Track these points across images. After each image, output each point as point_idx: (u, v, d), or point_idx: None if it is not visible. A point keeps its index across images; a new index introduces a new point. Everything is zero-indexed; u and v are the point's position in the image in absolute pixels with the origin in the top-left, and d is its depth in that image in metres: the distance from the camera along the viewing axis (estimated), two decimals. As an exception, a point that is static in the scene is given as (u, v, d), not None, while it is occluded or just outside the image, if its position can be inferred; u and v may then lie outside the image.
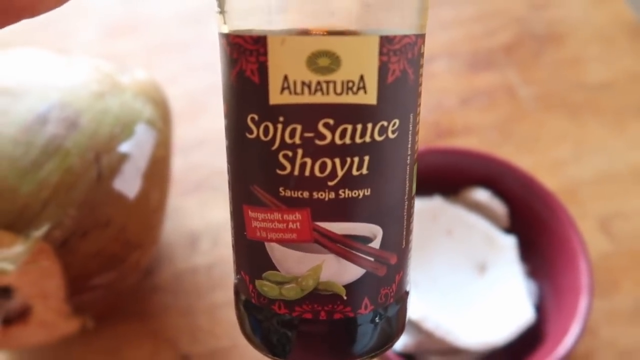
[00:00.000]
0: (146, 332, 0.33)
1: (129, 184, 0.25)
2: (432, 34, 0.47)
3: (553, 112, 0.42)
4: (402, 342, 0.28)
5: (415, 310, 0.28)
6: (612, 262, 0.36)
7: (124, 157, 0.25)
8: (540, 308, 0.31)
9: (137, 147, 0.26)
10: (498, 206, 0.32)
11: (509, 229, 0.33)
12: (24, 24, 0.47)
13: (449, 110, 0.42)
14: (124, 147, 0.25)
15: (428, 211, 0.32)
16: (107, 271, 0.26)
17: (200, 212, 0.37)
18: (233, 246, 0.18)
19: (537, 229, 0.32)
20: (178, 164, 0.39)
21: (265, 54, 0.15)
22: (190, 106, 0.43)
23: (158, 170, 0.28)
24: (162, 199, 0.29)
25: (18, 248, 0.22)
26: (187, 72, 0.44)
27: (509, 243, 0.31)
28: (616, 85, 0.44)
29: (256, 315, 0.18)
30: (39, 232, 0.23)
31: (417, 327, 0.28)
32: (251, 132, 0.16)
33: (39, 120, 0.23)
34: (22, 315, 0.26)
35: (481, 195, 0.32)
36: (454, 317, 0.28)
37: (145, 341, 0.33)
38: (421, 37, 0.16)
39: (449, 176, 0.33)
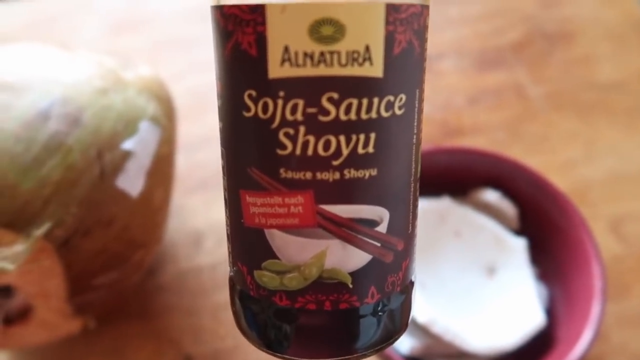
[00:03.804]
0: (149, 332, 0.32)
1: (132, 182, 0.25)
2: (440, 31, 0.46)
3: (563, 111, 0.42)
4: (410, 345, 0.28)
5: (423, 313, 0.27)
6: (623, 265, 0.35)
7: (127, 155, 0.25)
8: (551, 312, 0.30)
9: (140, 144, 0.25)
10: (508, 207, 0.31)
11: (519, 231, 0.32)
12: (28, 20, 0.47)
13: (457, 110, 0.42)
14: (128, 145, 0.25)
15: (436, 212, 0.31)
16: (110, 271, 0.26)
17: (204, 211, 0.37)
18: (228, 236, 0.17)
19: (548, 230, 0.31)
20: (182, 162, 0.39)
21: (263, 23, 0.14)
22: (196, 103, 0.42)
23: (162, 168, 0.27)
24: (166, 198, 0.28)
25: (18, 247, 0.22)
26: (193, 69, 0.44)
27: (519, 245, 0.30)
28: (627, 84, 0.43)
29: (253, 307, 0.17)
30: (40, 231, 0.22)
31: (425, 331, 0.28)
32: (249, 110, 0.15)
33: (40, 116, 0.23)
34: (22, 315, 0.26)
35: (491, 195, 0.31)
36: (462, 320, 0.28)
37: (148, 341, 0.32)
38: (426, 8, 0.15)
39: (458, 176, 0.32)
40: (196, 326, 0.33)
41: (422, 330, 0.28)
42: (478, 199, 0.32)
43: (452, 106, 0.42)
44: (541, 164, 0.39)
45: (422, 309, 0.28)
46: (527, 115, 0.41)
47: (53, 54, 0.26)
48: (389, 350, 0.26)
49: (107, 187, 0.24)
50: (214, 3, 0.15)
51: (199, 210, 0.37)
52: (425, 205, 0.31)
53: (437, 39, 0.46)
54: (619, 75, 0.43)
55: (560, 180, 0.38)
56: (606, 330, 0.32)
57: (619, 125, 0.41)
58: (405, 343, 0.28)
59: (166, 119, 0.28)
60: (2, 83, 0.24)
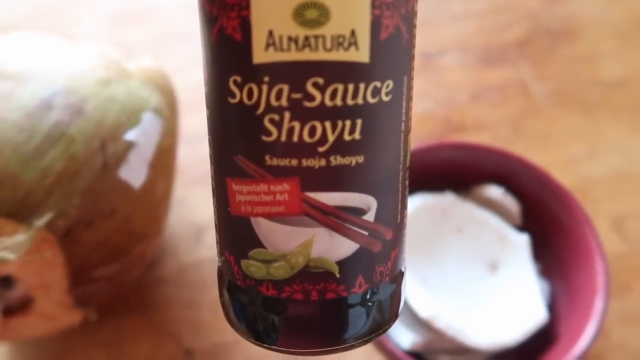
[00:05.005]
0: (149, 325, 0.32)
1: (134, 173, 0.25)
2: (443, 27, 0.46)
3: (566, 108, 0.41)
4: (412, 340, 0.28)
5: (425, 308, 0.27)
6: (624, 262, 0.35)
7: (130, 146, 0.24)
8: (553, 308, 0.30)
9: (143, 135, 0.25)
10: (511, 203, 0.31)
11: (522, 227, 0.32)
12: (29, 12, 0.46)
13: (460, 106, 0.42)
14: (130, 136, 0.25)
15: (439, 208, 0.31)
16: (111, 262, 0.26)
17: (206, 204, 0.37)
18: (216, 225, 0.17)
19: (551, 227, 0.31)
20: (184, 155, 0.39)
21: (247, 7, 0.14)
22: (198, 97, 0.42)
23: (164, 160, 0.27)
24: (167, 190, 0.28)
25: (20, 237, 0.22)
26: (194, 62, 0.44)
27: (521, 241, 0.30)
28: (631, 82, 0.43)
29: (241, 298, 0.16)
30: (41, 221, 0.22)
31: (427, 326, 0.28)
32: (234, 96, 0.15)
33: (43, 105, 0.23)
34: (23, 306, 0.26)
35: (494, 191, 0.31)
36: (464, 316, 0.28)
37: (147, 334, 0.32)
38: None
39: (461, 172, 0.32)
40: (196, 320, 0.33)
41: (424, 326, 0.28)
42: (481, 195, 0.32)
43: (455, 102, 0.42)
44: (544, 161, 0.39)
45: (424, 304, 0.27)
46: (531, 112, 0.41)
47: (56, 43, 0.26)
48: (391, 346, 0.26)
49: (110, 178, 0.24)
50: None
51: (201, 204, 0.37)
52: (428, 201, 0.31)
53: (441, 35, 0.45)
54: (623, 73, 0.43)
55: (563, 177, 0.38)
56: (607, 328, 0.32)
57: (622, 123, 0.41)
58: (407, 338, 0.28)
59: (169, 111, 0.28)
60: (5, 72, 0.24)
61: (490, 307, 0.28)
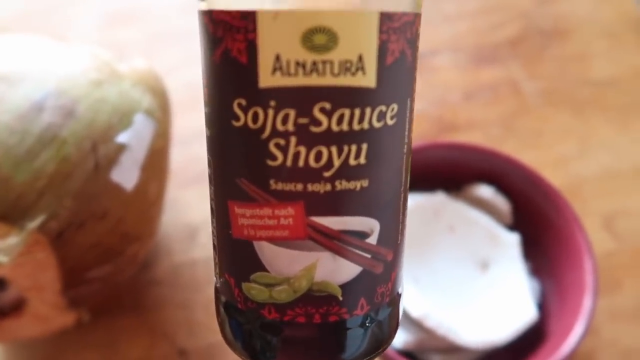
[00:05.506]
0: (143, 326, 0.32)
1: (126, 175, 0.25)
2: (435, 27, 0.46)
3: (558, 107, 0.42)
4: (403, 340, 0.28)
5: (417, 307, 0.27)
6: (615, 260, 0.35)
7: (121, 148, 0.25)
8: (543, 306, 0.30)
9: (135, 137, 0.25)
10: (502, 203, 0.32)
11: (513, 226, 0.33)
12: (21, 12, 0.46)
13: (453, 105, 0.42)
14: (122, 137, 0.25)
15: (430, 207, 0.31)
16: (104, 264, 0.26)
17: (199, 204, 0.37)
18: (215, 246, 0.17)
19: (541, 226, 0.31)
20: (177, 156, 0.39)
21: (254, 30, 0.14)
22: (190, 97, 0.42)
23: (157, 162, 0.27)
24: (160, 191, 0.28)
25: (12, 239, 0.22)
26: (188, 62, 0.44)
27: (512, 240, 0.31)
28: (622, 81, 0.43)
29: (238, 318, 0.16)
30: (34, 223, 0.22)
31: (418, 325, 0.28)
32: (238, 120, 0.14)
33: (34, 108, 0.23)
34: (16, 308, 0.26)
35: (485, 191, 0.32)
36: (455, 315, 0.28)
37: (141, 335, 0.32)
38: (418, 16, 0.15)
39: (452, 171, 0.32)
40: (190, 320, 0.33)
41: (416, 325, 0.28)
42: (472, 194, 0.32)
43: (447, 102, 0.42)
44: (535, 160, 0.39)
45: (415, 303, 0.28)
46: (522, 111, 0.42)
47: (48, 45, 0.26)
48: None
49: (102, 180, 0.24)
50: (203, 8, 0.15)
51: (194, 204, 0.37)
52: (420, 200, 0.31)
53: (433, 34, 0.46)
54: (613, 72, 0.43)
55: (553, 175, 0.38)
56: (597, 325, 0.33)
57: (612, 121, 0.41)
58: (398, 337, 0.28)
59: (161, 112, 0.28)
60: (-4, 75, 0.24)
61: (481, 306, 0.29)
